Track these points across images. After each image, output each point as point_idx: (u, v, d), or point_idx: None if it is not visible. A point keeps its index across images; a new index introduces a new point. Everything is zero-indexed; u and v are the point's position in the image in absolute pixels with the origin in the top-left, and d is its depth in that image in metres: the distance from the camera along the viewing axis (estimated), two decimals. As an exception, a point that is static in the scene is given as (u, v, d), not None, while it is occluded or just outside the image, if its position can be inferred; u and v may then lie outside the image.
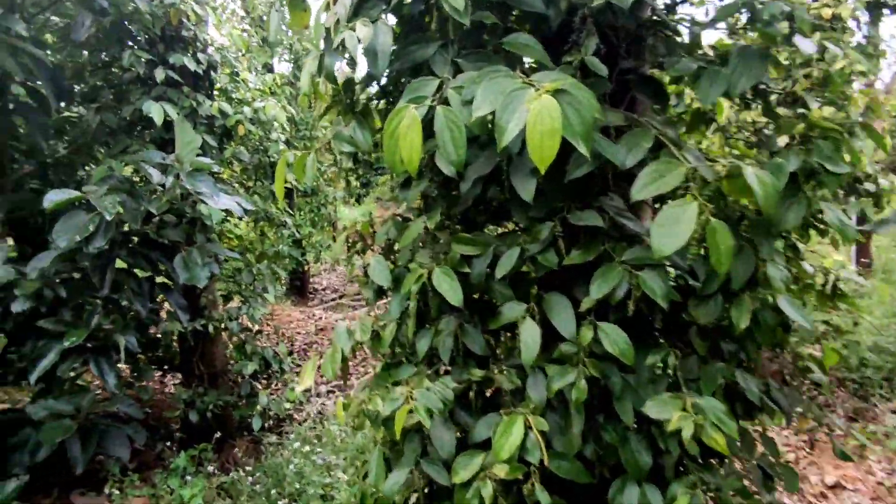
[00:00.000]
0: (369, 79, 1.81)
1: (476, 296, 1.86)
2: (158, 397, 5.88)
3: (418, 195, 1.78)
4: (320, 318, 8.13)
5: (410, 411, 1.68)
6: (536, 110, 1.20)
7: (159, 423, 4.93)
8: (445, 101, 1.48)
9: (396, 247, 2.17)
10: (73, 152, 4.72)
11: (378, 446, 1.98)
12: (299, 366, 6.41)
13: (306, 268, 10.92)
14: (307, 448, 4.17)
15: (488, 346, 1.86)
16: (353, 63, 1.80)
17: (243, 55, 4.84)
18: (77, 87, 4.54)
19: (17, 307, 3.09)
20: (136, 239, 3.47)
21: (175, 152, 3.44)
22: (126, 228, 3.21)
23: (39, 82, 3.98)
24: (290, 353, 6.67)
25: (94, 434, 3.73)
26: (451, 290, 1.65)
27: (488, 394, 1.97)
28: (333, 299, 11.02)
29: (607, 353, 1.63)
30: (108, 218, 2.88)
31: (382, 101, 2.10)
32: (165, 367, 5.01)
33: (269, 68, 9.02)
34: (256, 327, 5.17)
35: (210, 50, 4.55)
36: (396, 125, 1.42)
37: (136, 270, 3.68)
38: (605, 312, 1.71)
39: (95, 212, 2.96)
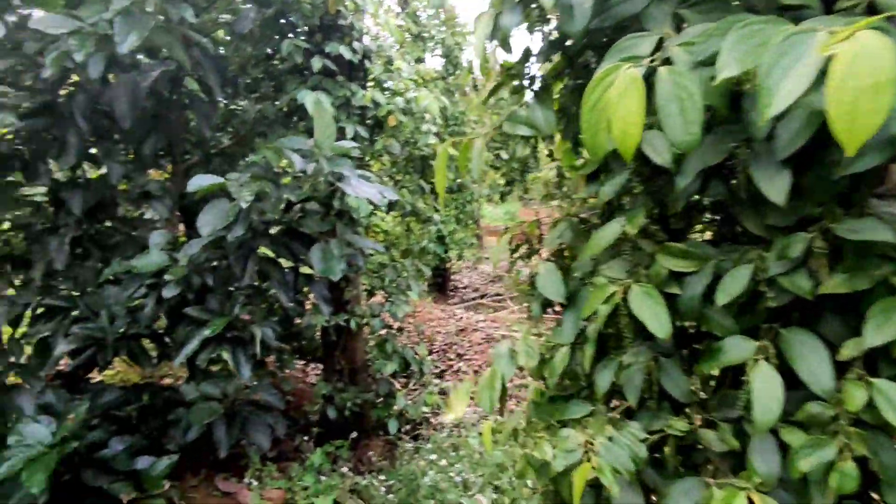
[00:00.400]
0: (558, 42, 1.45)
1: (680, 324, 1.44)
2: (300, 385, 5.99)
3: (616, 189, 1.38)
4: (461, 318, 7.94)
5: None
6: (848, 56, 0.77)
7: (299, 413, 4.95)
8: (666, 63, 1.09)
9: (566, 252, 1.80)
10: (235, 143, 4.86)
11: (538, 497, 1.62)
12: (438, 367, 6.24)
13: (448, 265, 10.84)
14: (444, 461, 3.92)
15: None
16: (542, 19, 1.44)
17: (400, 48, 4.70)
18: (241, 80, 4.65)
19: (167, 293, 3.12)
20: (277, 228, 3.39)
21: (314, 137, 3.30)
22: (267, 217, 3.12)
23: (207, 74, 4.09)
24: (430, 353, 6.53)
25: (238, 419, 3.76)
26: (653, 317, 1.25)
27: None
28: (474, 298, 10.84)
29: (878, 423, 1.15)
30: (244, 206, 2.78)
31: (566, 78, 1.72)
32: (308, 357, 5.04)
33: (421, 63, 8.99)
34: (397, 325, 5.02)
35: (366, 39, 4.45)
36: (601, 93, 1.04)
37: (280, 260, 3.62)
38: (874, 364, 1.22)
39: (235, 200, 2.89)
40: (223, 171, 4.91)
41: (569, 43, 1.53)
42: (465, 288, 11.67)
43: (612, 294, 1.31)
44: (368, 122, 4.36)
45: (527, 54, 1.54)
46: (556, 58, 1.65)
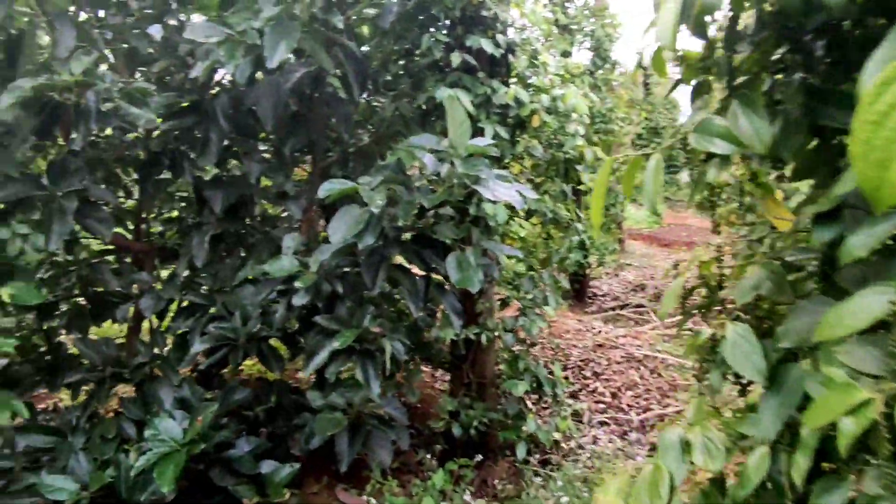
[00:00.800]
0: (774, 21, 1.02)
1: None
2: (427, 391, 5.84)
3: (875, 242, 0.94)
4: (599, 332, 7.40)
5: None
6: None
7: (423, 424, 4.77)
8: None
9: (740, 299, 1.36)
10: (373, 141, 4.77)
11: None
12: (572, 385, 5.80)
13: (587, 271, 10.25)
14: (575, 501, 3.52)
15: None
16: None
17: (546, 41, 4.32)
18: (381, 77, 4.53)
19: (296, 300, 3.04)
20: (409, 235, 3.18)
21: (448, 136, 3.03)
22: (399, 223, 2.91)
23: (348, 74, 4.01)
24: (563, 370, 6.10)
25: (361, 432, 3.64)
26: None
27: None
28: (613, 308, 10.17)
29: None
30: (375, 212, 2.58)
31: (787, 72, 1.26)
32: (436, 365, 4.85)
33: (567, 56, 8.50)
34: (530, 339, 4.67)
35: (510, 32, 4.12)
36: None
37: (411, 267, 3.43)
38: None
39: (366, 208, 2.70)
40: (360, 171, 4.88)
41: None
42: (603, 296, 11.00)
43: (865, 402, 0.88)
44: (509, 121, 4.04)
45: (730, 41, 1.12)
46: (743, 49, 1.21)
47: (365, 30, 4.69)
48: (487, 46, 3.70)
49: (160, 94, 3.59)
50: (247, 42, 2.91)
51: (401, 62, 4.51)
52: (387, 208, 2.85)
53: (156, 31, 3.68)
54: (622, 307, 10.18)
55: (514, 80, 4.18)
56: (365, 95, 4.72)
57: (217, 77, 3.95)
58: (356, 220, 2.75)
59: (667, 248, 16.98)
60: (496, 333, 4.31)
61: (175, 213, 4.86)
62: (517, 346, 4.48)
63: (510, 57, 4.01)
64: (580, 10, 9.19)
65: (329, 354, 2.95)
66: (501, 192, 2.77)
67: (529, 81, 4.08)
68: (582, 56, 11.69)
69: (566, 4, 9.12)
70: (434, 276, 3.48)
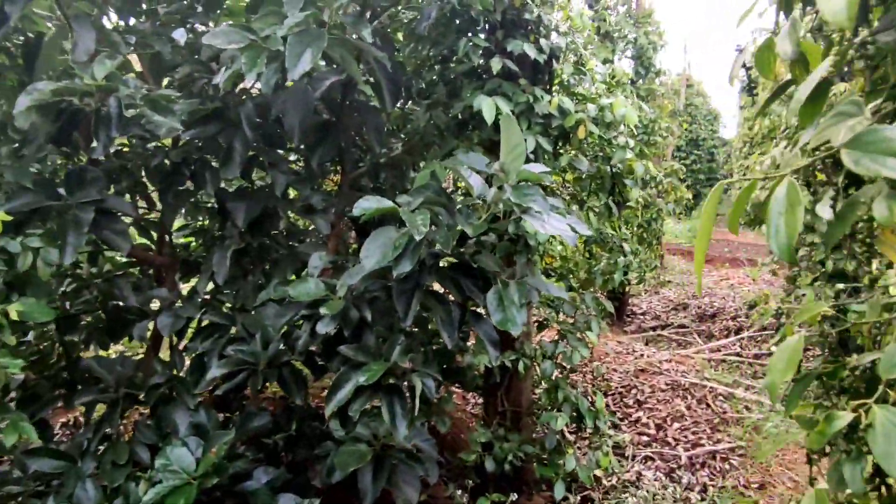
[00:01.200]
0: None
1: None
2: (459, 415, 5.58)
3: None
4: (641, 355, 7.04)
5: None
6: None
7: (454, 456, 4.50)
8: None
9: None
10: (405, 151, 4.56)
11: None
12: (614, 413, 5.47)
13: (626, 288, 9.88)
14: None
15: None
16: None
17: (588, 47, 4.05)
18: (414, 84, 4.32)
19: (321, 328, 2.82)
20: (446, 262, 2.95)
21: (500, 158, 2.79)
22: (437, 248, 2.68)
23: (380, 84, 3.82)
24: (604, 396, 5.77)
25: (386, 466, 3.41)
26: None
27: None
28: (653, 327, 9.78)
29: None
30: (417, 238, 2.35)
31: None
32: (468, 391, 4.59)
33: (609, 64, 8.22)
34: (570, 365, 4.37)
35: (554, 36, 3.87)
36: None
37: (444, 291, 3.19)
38: None
39: (405, 229, 2.46)
40: (391, 184, 4.68)
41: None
42: (643, 314, 10.60)
43: None
44: (552, 132, 3.78)
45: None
46: None
47: (399, 36, 4.51)
48: (530, 51, 3.46)
49: (183, 102, 3.44)
50: (270, 49, 2.71)
51: (436, 68, 4.30)
52: (427, 233, 2.63)
53: (180, 35, 3.54)
54: (663, 327, 9.77)
55: (557, 88, 3.92)
56: (398, 104, 4.53)
57: (246, 84, 3.79)
58: (393, 244, 2.52)
59: (709, 265, 16.43)
60: (534, 360, 4.03)
61: (200, 224, 4.72)
62: (556, 373, 4.19)
63: (554, 63, 3.76)
64: (622, 17, 8.91)
65: (353, 389, 2.71)
66: (553, 225, 2.54)
67: (575, 90, 3.81)
68: (623, 65, 11.37)
69: (608, 11, 8.85)
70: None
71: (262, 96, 3.69)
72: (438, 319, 3.02)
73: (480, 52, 3.57)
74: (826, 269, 6.48)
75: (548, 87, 3.84)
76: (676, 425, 5.30)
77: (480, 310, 3.23)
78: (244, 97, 3.76)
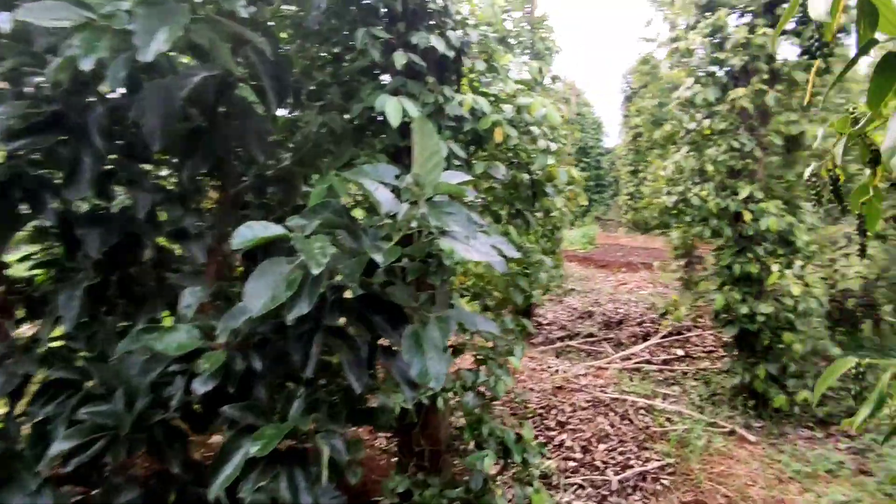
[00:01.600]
0: None
1: None
2: (370, 453, 5.08)
3: None
4: (556, 371, 6.85)
5: None
6: None
7: (368, 497, 4.03)
8: None
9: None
10: (296, 163, 4.04)
11: None
12: (538, 437, 5.18)
13: (531, 299, 9.77)
14: None
15: None
16: None
17: (501, 42, 3.74)
18: (304, 86, 3.82)
19: (198, 386, 2.27)
20: (351, 294, 2.49)
21: (412, 169, 2.37)
22: (340, 280, 2.23)
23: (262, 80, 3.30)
24: (526, 418, 5.49)
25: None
26: None
27: None
28: (561, 338, 9.72)
29: None
30: (316, 272, 1.89)
31: None
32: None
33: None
34: (490, 393, 4.02)
35: (461, 32, 3.51)
36: None
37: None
38: None
39: (300, 260, 2.00)
40: (280, 200, 4.13)
41: None
42: (549, 325, 10.52)
43: None
44: (465, 136, 3.42)
45: None
46: None
47: (284, 34, 4.00)
48: (438, 45, 3.08)
49: (8, 104, 2.76)
50: (115, 29, 2.15)
51: (328, 68, 3.83)
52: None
53: (4, 20, 2.85)
54: (571, 337, 9.74)
55: (466, 86, 3.57)
56: (287, 110, 4.02)
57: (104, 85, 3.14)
58: (285, 281, 2.04)
59: (605, 270, 16.87)
60: (454, 393, 3.64)
61: (48, 252, 3.95)
62: (479, 404, 3.82)
63: (463, 59, 3.40)
64: (518, 22, 8.82)
65: (244, 462, 2.19)
66: (479, 249, 2.16)
67: (486, 90, 3.48)
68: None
69: (504, 16, 8.73)
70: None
71: (117, 97, 3.07)
72: (345, 362, 2.56)
73: (381, 45, 3.15)
74: (733, 272, 6.64)
75: (457, 86, 3.48)
76: (602, 446, 5.10)
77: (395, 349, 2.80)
78: (94, 99, 3.12)
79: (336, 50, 3.78)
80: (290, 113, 4.21)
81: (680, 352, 8.28)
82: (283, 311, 2.27)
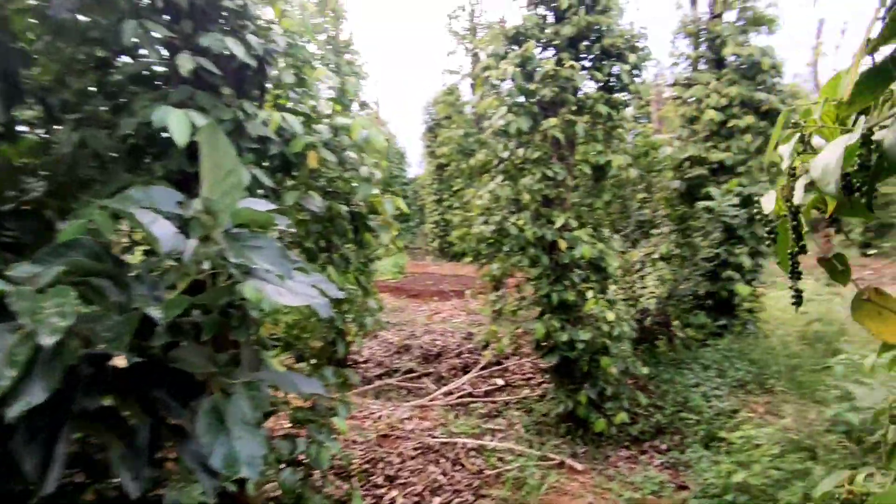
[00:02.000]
0: None
1: None
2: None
3: None
4: (379, 417, 6.38)
5: None
6: None
7: None
8: None
9: None
10: (49, 194, 3.19)
11: None
12: (365, 499, 4.66)
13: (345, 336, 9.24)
14: None
15: None
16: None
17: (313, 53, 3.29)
18: (52, 97, 3.03)
19: None
20: (123, 360, 1.86)
21: (201, 192, 1.83)
22: (102, 347, 1.62)
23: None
24: (349, 478, 4.94)
25: None
26: None
27: None
28: (379, 375, 9.29)
29: None
30: (47, 342, 1.29)
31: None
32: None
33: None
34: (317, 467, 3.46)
35: (263, 39, 3.01)
36: None
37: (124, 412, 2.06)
38: None
39: (23, 330, 1.37)
40: (29, 242, 3.25)
41: None
42: (365, 363, 10.05)
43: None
44: (269, 161, 2.90)
45: None
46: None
47: (29, 30, 3.17)
48: (237, 50, 2.55)
49: None
50: None
51: (91, 75, 3.08)
52: (77, 325, 1.53)
53: None
54: (390, 374, 9.36)
55: (271, 103, 3.06)
56: (30, 125, 3.17)
57: None
58: (7, 358, 1.38)
59: (417, 300, 16.82)
60: (268, 471, 3.03)
61: None
62: (301, 480, 3.23)
63: (268, 70, 2.89)
64: (322, 44, 8.41)
65: None
66: (296, 290, 1.69)
67: (295, 107, 3.00)
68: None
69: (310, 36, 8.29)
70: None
71: None
72: (114, 457, 1.90)
73: (160, 46, 2.54)
74: (552, 301, 6.79)
75: (261, 101, 2.96)
76: (437, 500, 4.73)
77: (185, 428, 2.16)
78: None
79: (101, 53, 3.06)
80: (43, 131, 3.36)
81: (500, 381, 8.32)
82: (7, 402, 1.58)
